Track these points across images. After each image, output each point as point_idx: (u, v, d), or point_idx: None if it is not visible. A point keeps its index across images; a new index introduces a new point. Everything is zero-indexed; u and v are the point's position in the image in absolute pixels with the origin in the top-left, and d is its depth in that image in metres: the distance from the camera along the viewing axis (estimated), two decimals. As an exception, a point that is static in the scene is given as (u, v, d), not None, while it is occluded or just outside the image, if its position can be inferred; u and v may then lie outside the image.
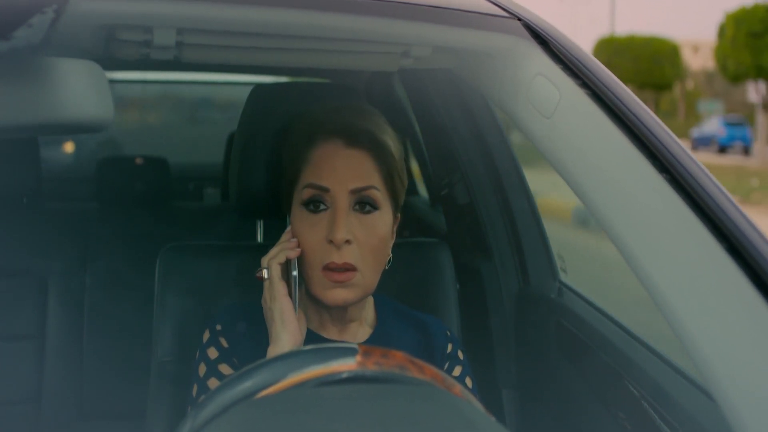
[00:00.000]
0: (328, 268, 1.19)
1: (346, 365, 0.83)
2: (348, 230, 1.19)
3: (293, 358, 0.85)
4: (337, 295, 1.21)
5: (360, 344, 0.90)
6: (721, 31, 22.98)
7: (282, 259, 1.22)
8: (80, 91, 0.98)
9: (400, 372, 0.84)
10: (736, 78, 22.93)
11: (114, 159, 2.72)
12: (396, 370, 0.84)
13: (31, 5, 0.90)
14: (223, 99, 4.69)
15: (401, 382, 0.83)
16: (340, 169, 1.21)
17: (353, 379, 0.82)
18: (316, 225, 1.21)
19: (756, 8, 21.88)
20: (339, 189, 1.20)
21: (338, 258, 1.19)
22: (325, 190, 1.20)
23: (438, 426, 0.77)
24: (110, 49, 1.25)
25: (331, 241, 1.19)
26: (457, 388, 0.87)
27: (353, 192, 1.21)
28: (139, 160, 2.71)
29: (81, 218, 2.43)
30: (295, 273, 1.21)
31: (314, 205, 1.21)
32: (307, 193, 1.22)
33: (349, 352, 0.85)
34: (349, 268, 1.20)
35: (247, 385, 0.82)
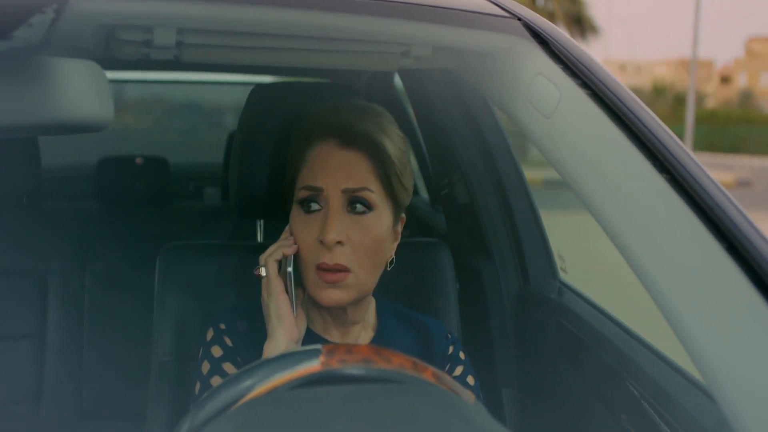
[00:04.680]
0: (321, 269, 1.20)
1: (311, 367, 0.84)
2: (340, 231, 1.19)
3: (259, 369, 0.86)
4: (330, 295, 1.21)
5: (324, 344, 0.90)
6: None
7: (278, 256, 1.22)
8: (80, 91, 0.98)
9: (365, 365, 0.84)
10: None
11: (114, 159, 2.71)
12: (361, 364, 0.84)
13: (31, 5, 0.90)
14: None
15: (369, 376, 0.84)
16: (333, 169, 1.21)
17: (322, 380, 0.83)
18: (310, 225, 1.21)
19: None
20: (332, 189, 1.20)
21: (329, 259, 1.19)
22: (319, 190, 1.21)
23: (418, 415, 0.78)
24: (110, 49, 1.25)
25: (322, 242, 1.19)
26: (429, 371, 0.87)
27: (345, 192, 1.20)
28: (139, 160, 2.71)
29: (81, 218, 2.43)
30: (289, 269, 1.22)
31: (308, 205, 1.22)
32: (302, 194, 1.22)
33: (313, 353, 0.86)
34: (340, 269, 1.20)
35: (222, 398, 0.83)
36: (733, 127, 27.39)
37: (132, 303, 2.18)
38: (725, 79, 51.49)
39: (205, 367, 1.27)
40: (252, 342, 1.27)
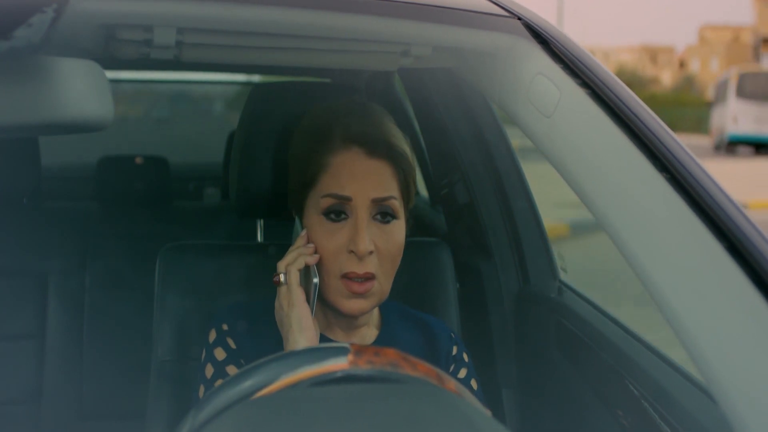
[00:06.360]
0: (348, 278, 1.19)
1: (338, 365, 0.83)
2: (370, 240, 1.19)
3: (287, 359, 0.85)
4: (355, 305, 1.21)
5: (352, 344, 0.90)
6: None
7: (301, 265, 1.21)
8: (80, 91, 0.98)
9: (392, 369, 0.84)
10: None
11: (114, 158, 2.71)
12: (388, 367, 0.84)
13: (31, 5, 0.90)
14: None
15: (394, 380, 0.83)
16: (362, 179, 1.20)
17: (347, 379, 0.82)
18: (336, 233, 1.20)
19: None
20: (361, 198, 1.20)
21: (359, 268, 1.19)
22: (347, 199, 1.20)
23: (433, 423, 0.77)
24: (110, 48, 1.25)
25: (352, 252, 1.19)
26: (452, 383, 0.87)
27: (374, 201, 1.20)
28: (139, 160, 2.71)
29: (81, 218, 2.43)
30: (316, 280, 1.20)
31: (335, 214, 1.20)
32: (327, 202, 1.21)
33: (342, 351, 0.86)
34: (369, 278, 1.20)
35: (243, 386, 0.82)
36: (670, 109, 30.01)
37: (132, 303, 2.18)
38: (683, 65, 55.74)
39: (209, 370, 1.26)
40: (255, 343, 1.26)
